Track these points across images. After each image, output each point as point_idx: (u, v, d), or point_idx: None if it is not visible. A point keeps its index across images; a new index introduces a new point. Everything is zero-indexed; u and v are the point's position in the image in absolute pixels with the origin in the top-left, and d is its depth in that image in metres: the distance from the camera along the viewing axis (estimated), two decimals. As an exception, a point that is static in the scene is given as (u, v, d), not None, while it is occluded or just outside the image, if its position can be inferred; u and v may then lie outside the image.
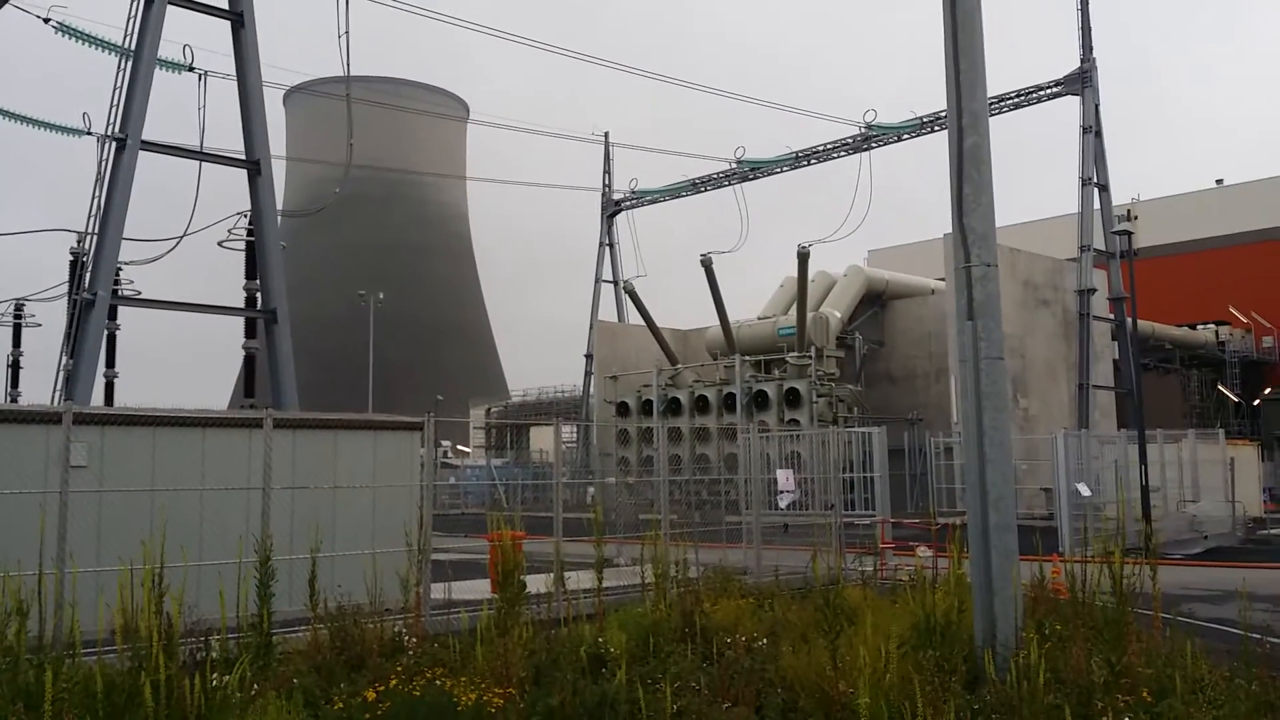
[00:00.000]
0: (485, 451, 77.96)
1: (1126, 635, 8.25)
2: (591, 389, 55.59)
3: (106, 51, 26.52)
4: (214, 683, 6.84)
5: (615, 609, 11.58)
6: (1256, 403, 66.24)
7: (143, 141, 23.70)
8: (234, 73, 25.95)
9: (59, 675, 6.67)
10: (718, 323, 46.90)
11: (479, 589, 14.74)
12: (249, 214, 26.83)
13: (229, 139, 26.41)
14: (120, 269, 29.06)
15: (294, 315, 26.97)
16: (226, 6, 25.60)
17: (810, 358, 42.29)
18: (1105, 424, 40.75)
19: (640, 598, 12.15)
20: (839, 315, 46.00)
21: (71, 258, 30.99)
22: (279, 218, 27.68)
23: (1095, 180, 40.92)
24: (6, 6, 26.49)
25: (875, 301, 49.83)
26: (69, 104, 33.00)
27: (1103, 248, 41.32)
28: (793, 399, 41.57)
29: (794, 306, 44.52)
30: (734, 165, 51.44)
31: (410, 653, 9.27)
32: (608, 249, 58.36)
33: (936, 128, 45.33)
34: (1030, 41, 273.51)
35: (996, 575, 8.80)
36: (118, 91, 23.78)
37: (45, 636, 7.72)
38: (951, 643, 8.82)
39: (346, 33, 26.91)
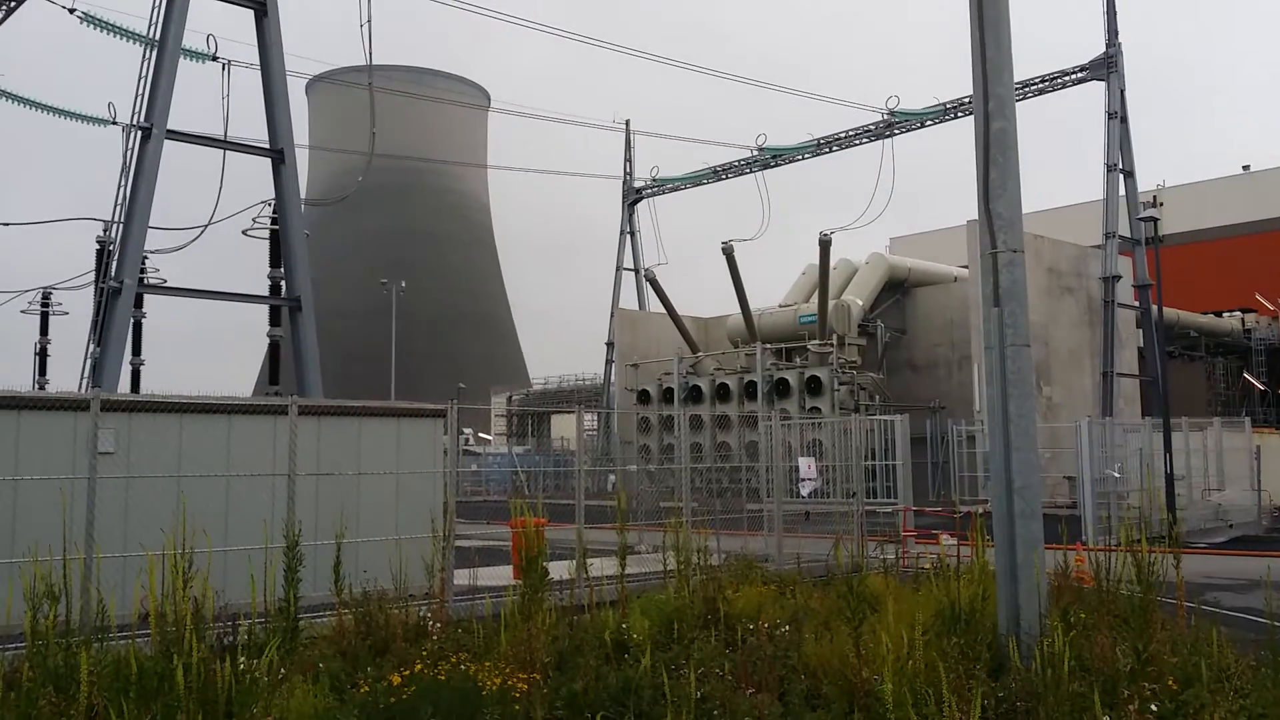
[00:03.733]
0: (507, 439, 78.19)
1: (1151, 624, 8.22)
2: (613, 377, 55.65)
3: (131, 41, 26.66)
4: (242, 666, 6.92)
5: (638, 595, 11.62)
6: (1283, 391, 65.56)
7: (168, 131, 23.86)
8: (257, 62, 26.07)
9: (87, 658, 6.76)
10: (739, 310, 46.82)
11: (502, 575, 14.84)
12: (273, 203, 26.97)
13: (253, 128, 26.58)
14: (146, 257, 29.25)
15: (317, 304, 27.12)
16: (249, -4, 25.70)
17: (832, 346, 42.17)
18: (1129, 412, 40.48)
19: (662, 584, 12.19)
20: (861, 303, 45.83)
21: (98, 246, 31.25)
22: (302, 206, 27.82)
23: (1120, 166, 40.59)
24: (32, -3, 26.67)
25: (897, 289, 49.60)
26: (95, 93, 33.31)
27: (1128, 234, 40.99)
28: (814, 387, 41.48)
29: (815, 294, 44.37)
30: (756, 152, 51.28)
31: (434, 638, 9.34)
32: (629, 237, 58.35)
33: (960, 114, 45.03)
34: (1056, 26, 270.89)
35: (1021, 563, 8.77)
36: (142, 81, 23.95)
37: (73, 621, 7.81)
38: (975, 630, 8.81)
39: (369, 22, 27.02)
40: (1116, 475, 22.28)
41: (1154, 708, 6.83)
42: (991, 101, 9.34)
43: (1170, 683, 7.41)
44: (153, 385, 36.82)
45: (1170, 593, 9.71)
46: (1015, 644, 8.02)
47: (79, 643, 7.16)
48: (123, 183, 23.50)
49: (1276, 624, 7.65)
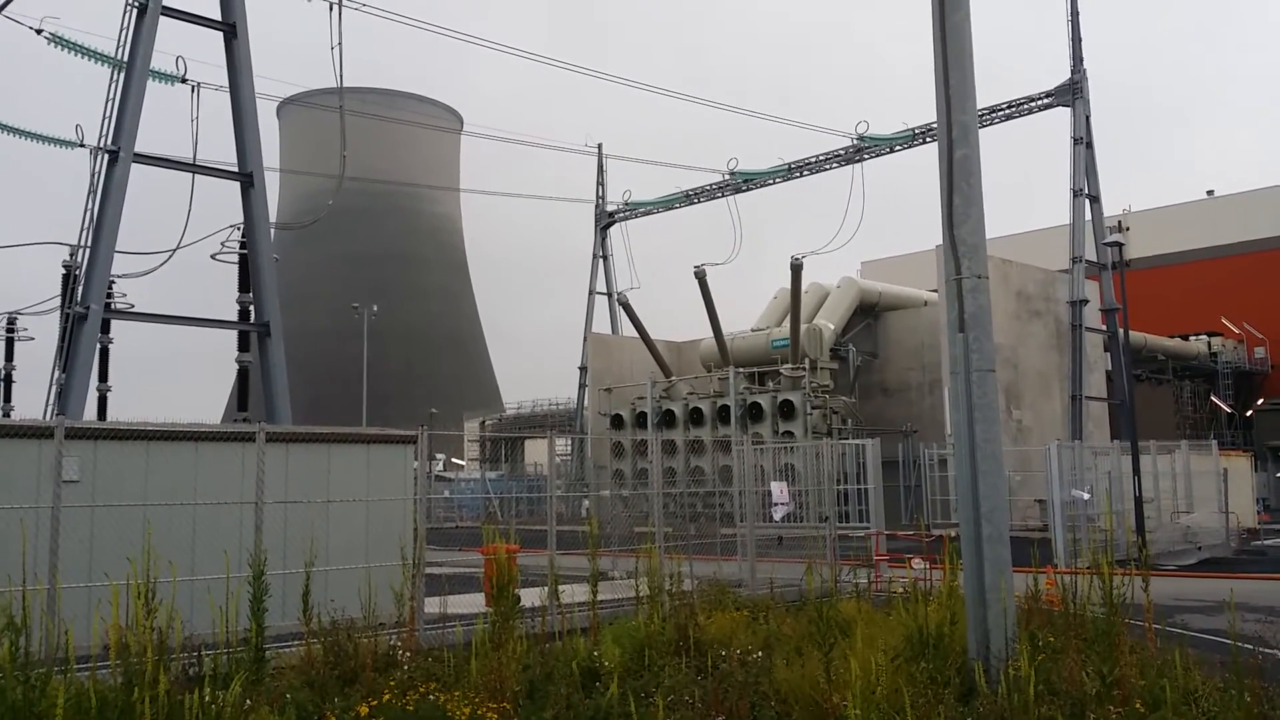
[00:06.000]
0: (480, 464, 77.86)
1: (1119, 646, 8.26)
2: (586, 401, 55.58)
3: (99, 63, 26.55)
4: (207, 698, 6.82)
5: (610, 622, 11.57)
6: (1249, 413, 66.42)
7: (135, 154, 23.70)
8: (227, 85, 25.99)
9: (45, 692, 6.64)
10: (712, 334, 46.94)
11: (473, 603, 14.70)
12: (242, 226, 26.82)
13: (222, 151, 26.46)
14: (113, 282, 29.00)
15: (287, 328, 26.95)
16: (219, 18, 25.66)
17: (804, 369, 42.33)
18: (1098, 435, 40.84)
19: (635, 611, 12.13)
20: (832, 327, 46.06)
21: (64, 271, 30.94)
22: (272, 230, 27.68)
23: (1086, 191, 41.11)
24: None
25: (869, 313, 49.91)
26: (62, 116, 33.09)
27: (1095, 259, 41.47)
28: (787, 411, 41.60)
29: (787, 318, 44.57)
30: (727, 177, 51.60)
31: (404, 667, 9.25)
32: (602, 260, 58.45)
33: (928, 139, 45.51)
34: (1022, 53, 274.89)
35: (989, 587, 8.80)
36: (110, 103, 23.79)
37: (34, 653, 7.67)
38: (945, 655, 8.83)
39: (339, 44, 27.02)
40: (1085, 498, 22.45)
41: (1121, 731, 6.86)
42: (955, 129, 9.44)
43: (1138, 705, 7.45)
44: (120, 411, 36.43)
45: (1139, 615, 9.78)
46: (983, 668, 8.03)
47: (39, 676, 7.03)
48: (89, 206, 23.30)
49: (1241, 645, 7.71)
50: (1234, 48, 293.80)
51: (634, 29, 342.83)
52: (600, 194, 58.95)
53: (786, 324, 44.67)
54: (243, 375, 28.11)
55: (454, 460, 79.59)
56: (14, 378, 43.27)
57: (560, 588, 11.92)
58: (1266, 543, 31.17)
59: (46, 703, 6.50)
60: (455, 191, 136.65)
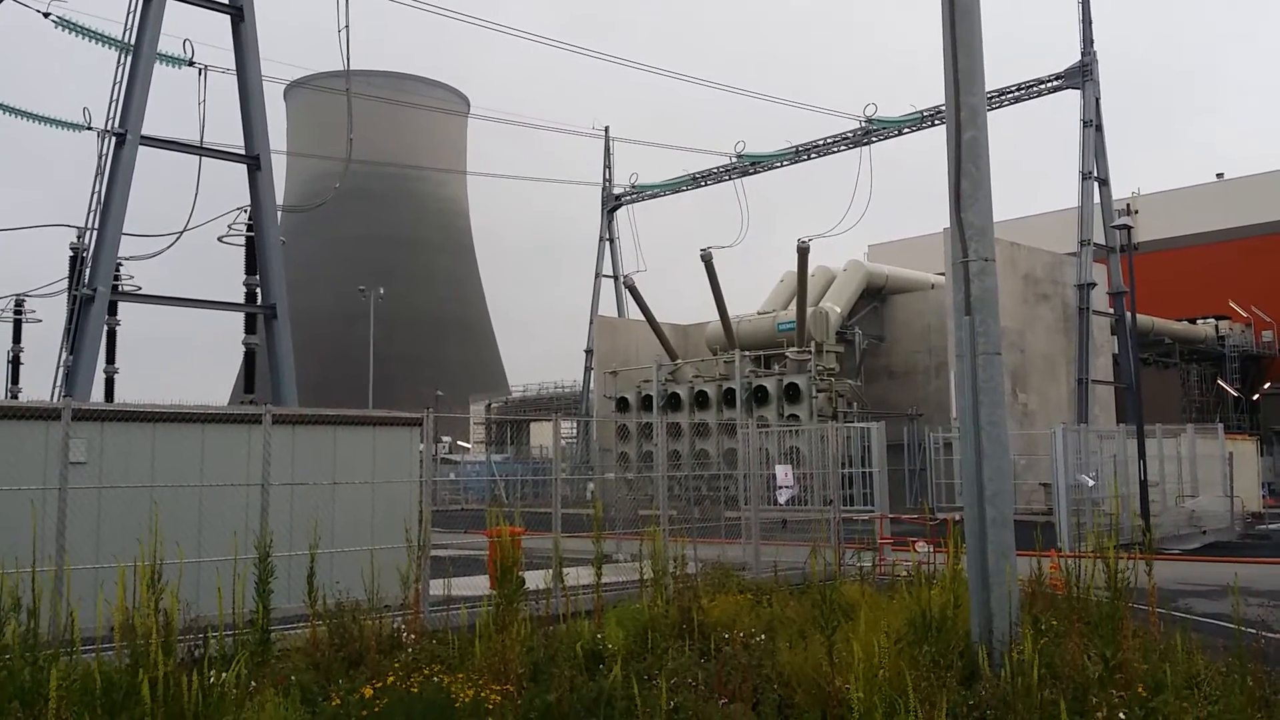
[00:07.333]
0: (485, 447, 78.02)
1: (1122, 630, 8.27)
2: (591, 384, 55.60)
3: (106, 46, 26.49)
4: (211, 679, 6.86)
5: (614, 605, 11.61)
6: (1256, 397, 66.25)
7: (142, 136, 23.70)
8: (234, 67, 25.96)
9: (52, 672, 6.69)
10: (718, 318, 46.85)
11: (478, 585, 14.76)
12: (249, 209, 26.83)
13: (229, 134, 26.45)
14: (120, 264, 29.04)
15: (293, 310, 26.99)
16: (226, 1, 25.60)
17: (810, 353, 42.25)
18: (1104, 418, 40.77)
19: (639, 593, 12.17)
20: (839, 310, 45.95)
21: (71, 253, 31.00)
22: (279, 213, 27.69)
23: (1095, 174, 40.88)
24: (7, 1, 26.45)
25: (875, 296, 49.77)
26: (70, 98, 33.06)
27: (1103, 242, 41.30)
28: (792, 394, 41.55)
29: (794, 301, 44.46)
30: (734, 160, 51.42)
31: (408, 649, 9.30)
32: (608, 244, 58.36)
33: (937, 121, 45.25)
34: (1031, 35, 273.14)
35: (992, 570, 8.81)
36: (117, 86, 23.79)
37: (41, 634, 7.73)
38: (948, 638, 8.84)
39: (346, 27, 26.92)
40: (1090, 483, 22.44)
41: (1123, 715, 6.87)
42: (963, 111, 9.39)
43: (1140, 689, 7.46)
44: (127, 394, 36.58)
45: (1143, 599, 9.79)
46: (986, 651, 8.05)
47: (46, 657, 7.08)
48: (97, 188, 23.33)
49: (1244, 629, 7.71)
50: (1246, 30, 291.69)
51: (642, 12, 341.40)
52: (607, 177, 58.81)
53: (793, 307, 44.57)
54: (249, 357, 28.19)
55: (459, 443, 79.79)
56: (22, 359, 43.45)
57: (564, 570, 11.95)
58: (1271, 527, 31.14)
59: (55, 684, 6.55)
60: (462, 174, 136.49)
